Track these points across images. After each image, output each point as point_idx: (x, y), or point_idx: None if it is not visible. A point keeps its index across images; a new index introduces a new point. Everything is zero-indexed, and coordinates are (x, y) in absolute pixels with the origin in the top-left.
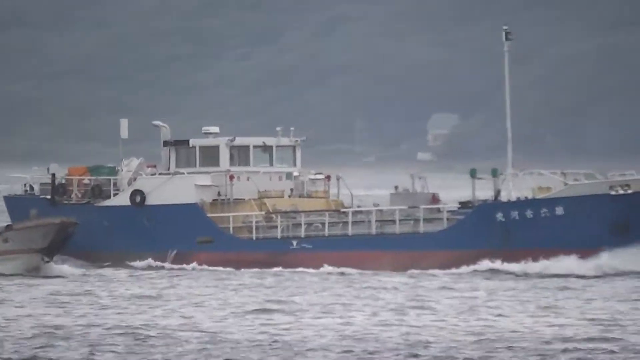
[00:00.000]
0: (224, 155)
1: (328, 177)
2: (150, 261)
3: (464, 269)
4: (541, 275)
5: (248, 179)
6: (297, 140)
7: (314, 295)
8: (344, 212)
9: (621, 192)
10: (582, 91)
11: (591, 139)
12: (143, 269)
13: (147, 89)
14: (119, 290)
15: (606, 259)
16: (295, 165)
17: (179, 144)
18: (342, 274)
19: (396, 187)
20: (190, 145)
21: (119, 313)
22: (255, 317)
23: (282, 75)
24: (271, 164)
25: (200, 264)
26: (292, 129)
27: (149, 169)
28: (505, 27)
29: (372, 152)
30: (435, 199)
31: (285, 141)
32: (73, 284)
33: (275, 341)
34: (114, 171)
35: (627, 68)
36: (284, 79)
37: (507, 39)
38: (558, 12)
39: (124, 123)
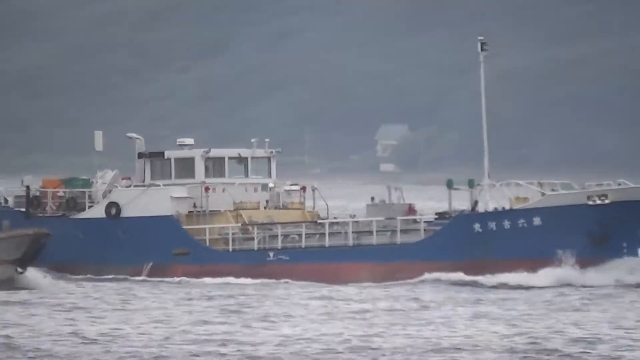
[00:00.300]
0: (199, 167)
1: (303, 188)
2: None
3: (442, 279)
4: (520, 287)
5: (223, 190)
6: (272, 152)
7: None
8: (320, 224)
9: (599, 202)
10: (527, 103)
11: (535, 151)
12: (117, 281)
13: (88, 100)
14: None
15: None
16: (270, 176)
17: (154, 156)
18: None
19: (372, 198)
20: (166, 157)
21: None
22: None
23: (228, 87)
24: (246, 175)
25: (177, 277)
26: (267, 140)
27: (124, 181)
28: (480, 38)
29: (320, 164)
30: (411, 209)
31: (260, 152)
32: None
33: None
34: (88, 183)
35: (573, 80)
36: (230, 91)
37: (482, 49)
38: (507, 25)
39: (99, 135)
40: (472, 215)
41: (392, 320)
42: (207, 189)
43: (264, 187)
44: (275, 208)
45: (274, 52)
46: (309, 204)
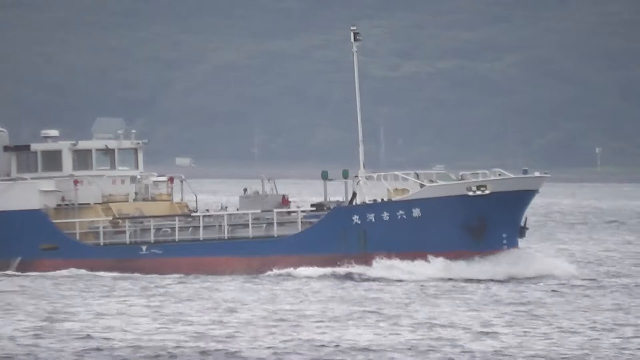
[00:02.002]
0: (67, 159)
1: (171, 180)
2: None
3: (319, 272)
4: (398, 280)
5: (90, 183)
6: (138, 143)
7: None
8: (194, 217)
9: (478, 192)
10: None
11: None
12: None
13: None
14: None
15: (458, 265)
16: (137, 168)
17: (20, 149)
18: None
19: (245, 190)
20: (32, 149)
21: None
22: None
23: None
24: (113, 167)
25: (45, 271)
26: (133, 131)
27: None
28: (353, 28)
29: None
30: (285, 200)
31: (127, 144)
32: None
33: None
34: None
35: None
36: None
37: (355, 39)
38: (213, 22)
39: None
40: (351, 207)
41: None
42: (76, 181)
43: (132, 179)
44: (144, 200)
45: None
46: (176, 196)
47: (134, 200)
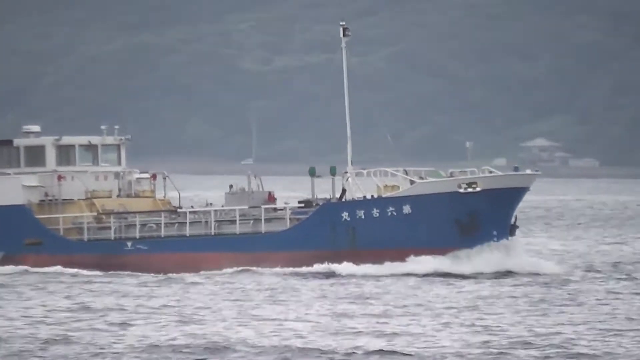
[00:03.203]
0: (50, 154)
1: (154, 176)
2: None
3: (306, 270)
4: (388, 276)
5: (73, 178)
6: (121, 139)
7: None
8: (180, 213)
9: (469, 190)
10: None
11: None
12: None
13: None
14: None
15: (448, 262)
16: (120, 164)
17: (2, 144)
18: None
19: (231, 186)
20: (15, 145)
21: None
22: None
23: None
24: (96, 163)
25: (30, 267)
26: (116, 127)
27: None
28: (342, 23)
29: None
30: (271, 197)
31: (110, 140)
32: None
33: None
34: None
35: (154, 67)
36: None
37: (344, 35)
38: (81, 14)
39: None
40: (340, 203)
41: None
42: (60, 177)
43: (116, 175)
44: (127, 196)
45: None
46: (159, 192)
47: (118, 196)
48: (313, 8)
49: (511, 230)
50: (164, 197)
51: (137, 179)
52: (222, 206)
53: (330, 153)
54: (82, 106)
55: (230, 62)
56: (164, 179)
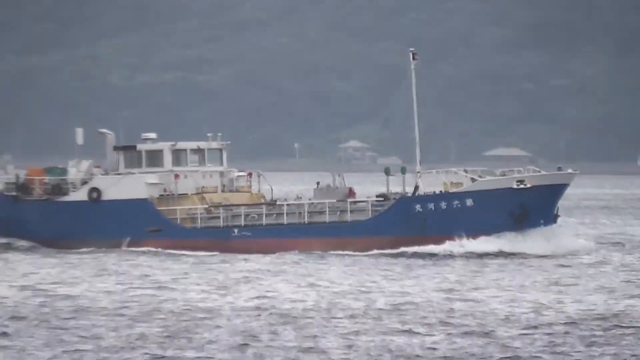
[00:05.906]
0: (167, 157)
1: (250, 174)
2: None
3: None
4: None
5: (186, 176)
6: (223, 144)
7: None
8: (279, 205)
9: (521, 186)
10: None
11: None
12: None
13: None
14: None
15: (506, 243)
16: (222, 164)
17: (127, 149)
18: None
19: (318, 183)
20: (137, 149)
21: None
22: None
23: None
24: (203, 164)
25: (152, 249)
26: (219, 134)
27: (96, 169)
28: (412, 49)
29: None
30: (351, 192)
31: (214, 144)
32: None
33: None
34: (65, 171)
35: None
36: None
37: (413, 58)
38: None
39: (79, 132)
40: (414, 197)
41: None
42: (176, 176)
43: (220, 173)
44: (230, 191)
45: None
46: (254, 187)
47: (222, 191)
48: (169, 35)
49: (554, 218)
50: (259, 191)
51: (237, 176)
52: (310, 199)
53: None
54: None
55: (99, 78)
56: (259, 176)
